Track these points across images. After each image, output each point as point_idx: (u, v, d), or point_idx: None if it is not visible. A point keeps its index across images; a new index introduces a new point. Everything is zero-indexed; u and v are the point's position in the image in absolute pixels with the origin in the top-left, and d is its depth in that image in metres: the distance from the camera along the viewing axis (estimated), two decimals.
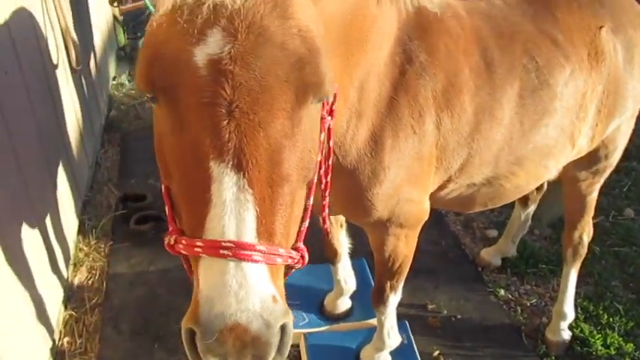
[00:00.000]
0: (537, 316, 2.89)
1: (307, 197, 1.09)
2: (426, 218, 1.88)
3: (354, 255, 2.87)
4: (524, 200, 2.94)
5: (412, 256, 1.96)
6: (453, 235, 3.42)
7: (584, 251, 2.65)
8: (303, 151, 1.00)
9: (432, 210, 1.89)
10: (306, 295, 2.69)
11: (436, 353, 2.60)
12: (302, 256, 1.04)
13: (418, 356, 2.45)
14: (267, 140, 0.92)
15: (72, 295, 2.91)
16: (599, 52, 1.96)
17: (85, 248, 3.22)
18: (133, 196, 3.56)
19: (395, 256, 1.91)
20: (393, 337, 2.31)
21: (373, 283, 2.78)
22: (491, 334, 2.74)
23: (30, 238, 2.35)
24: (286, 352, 0.94)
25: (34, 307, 2.34)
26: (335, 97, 1.22)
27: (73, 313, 2.79)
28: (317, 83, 0.96)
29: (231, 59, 0.89)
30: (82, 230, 3.34)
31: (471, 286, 3.03)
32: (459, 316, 2.83)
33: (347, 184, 1.61)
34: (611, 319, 2.82)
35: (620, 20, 2.05)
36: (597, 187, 2.45)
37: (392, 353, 2.38)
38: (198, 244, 0.89)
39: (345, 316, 2.61)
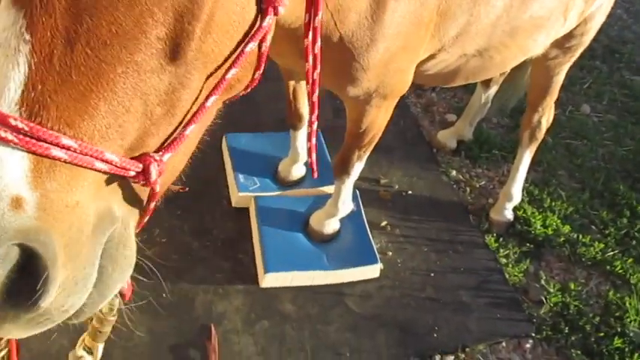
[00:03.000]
0: (484, 197, 2.96)
1: (209, 95, 0.78)
2: (406, 90, 1.79)
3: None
4: (487, 81, 2.88)
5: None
6: (413, 117, 3.38)
7: (540, 135, 2.66)
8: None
9: None
10: (260, 160, 2.63)
11: (384, 223, 2.65)
12: (144, 171, 0.70)
13: (366, 224, 2.48)
14: None
15: None
16: None
17: None
18: None
19: (371, 127, 1.85)
20: (346, 205, 2.31)
21: (327, 153, 2.76)
22: (438, 210, 2.80)
23: None
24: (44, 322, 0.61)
25: None
26: None
27: None
28: None
29: None
30: None
31: (425, 165, 3.04)
32: (409, 192, 2.87)
33: (341, 51, 1.44)
34: (553, 204, 2.93)
35: None
36: (565, 68, 2.40)
37: (341, 220, 2.40)
38: None
39: (298, 182, 2.59)
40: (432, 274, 2.50)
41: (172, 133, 0.75)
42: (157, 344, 2.06)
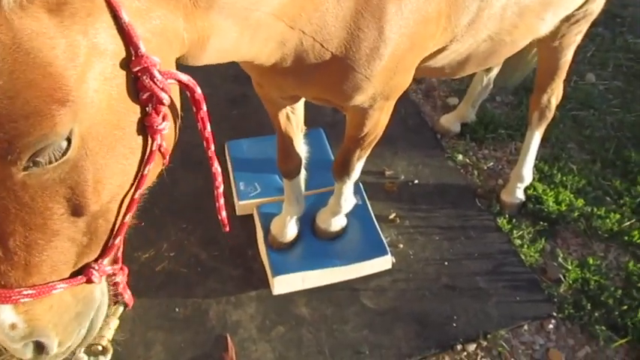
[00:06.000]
0: (493, 179, 2.91)
1: (125, 213, 0.98)
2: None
3: (311, 124, 2.76)
4: None
5: None
6: (413, 104, 3.33)
7: (550, 115, 2.58)
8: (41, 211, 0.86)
9: None
10: (262, 164, 2.61)
11: (392, 215, 2.61)
12: (88, 280, 0.98)
13: (373, 217, 2.45)
14: None
15: None
16: None
17: None
18: None
19: (374, 130, 1.78)
20: (349, 202, 2.28)
21: (332, 154, 2.72)
22: (447, 197, 2.76)
23: None
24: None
25: None
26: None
27: None
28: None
29: None
30: None
31: (430, 152, 3.00)
32: (416, 181, 2.82)
33: (338, 66, 1.36)
34: (564, 178, 2.86)
35: None
36: (573, 47, 2.30)
37: (346, 215, 2.37)
38: None
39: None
40: (446, 263, 2.46)
41: (105, 244, 0.98)
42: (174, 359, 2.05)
